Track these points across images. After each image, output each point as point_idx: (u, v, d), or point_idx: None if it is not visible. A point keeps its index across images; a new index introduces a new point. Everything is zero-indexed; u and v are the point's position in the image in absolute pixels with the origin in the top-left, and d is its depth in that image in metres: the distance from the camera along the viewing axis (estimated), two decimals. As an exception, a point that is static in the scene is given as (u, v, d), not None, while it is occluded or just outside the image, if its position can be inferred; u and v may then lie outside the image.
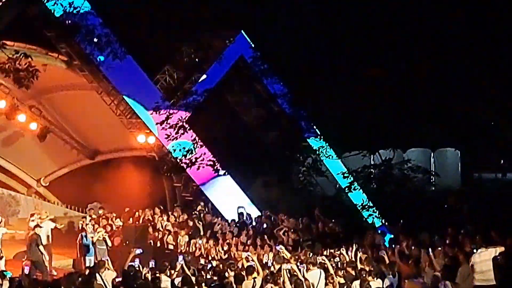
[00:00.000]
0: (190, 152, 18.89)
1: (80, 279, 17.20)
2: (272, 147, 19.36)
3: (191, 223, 26.78)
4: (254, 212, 28.26)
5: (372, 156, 25.04)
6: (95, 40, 21.52)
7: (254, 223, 26.65)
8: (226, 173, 25.43)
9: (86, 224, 25.55)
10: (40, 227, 23.34)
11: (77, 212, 33.30)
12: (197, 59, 27.48)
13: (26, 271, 18.93)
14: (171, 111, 20.94)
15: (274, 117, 22.76)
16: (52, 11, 23.38)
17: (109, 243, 24.07)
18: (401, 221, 21.62)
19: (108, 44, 21.89)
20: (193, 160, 18.72)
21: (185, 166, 18.65)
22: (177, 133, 19.74)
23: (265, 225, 26.20)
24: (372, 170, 19.38)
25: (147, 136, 29.33)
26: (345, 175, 21.37)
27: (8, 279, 17.60)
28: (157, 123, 20.41)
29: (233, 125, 21.68)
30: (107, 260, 19.90)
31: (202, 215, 28.10)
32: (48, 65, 28.48)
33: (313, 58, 23.04)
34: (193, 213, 28.35)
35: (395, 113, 22.99)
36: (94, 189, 33.65)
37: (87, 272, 18.48)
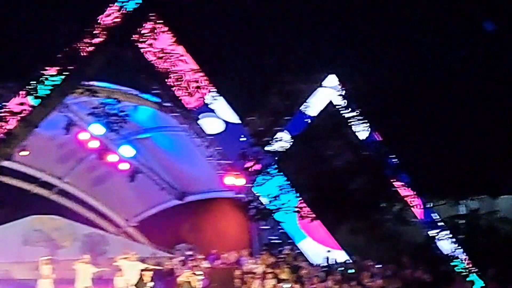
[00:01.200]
0: (276, 198, 18.87)
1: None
2: (360, 193, 19.21)
3: (279, 266, 26.66)
4: (341, 257, 28.04)
5: (459, 204, 24.58)
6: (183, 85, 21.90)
7: (340, 268, 26.40)
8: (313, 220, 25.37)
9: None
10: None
11: (164, 253, 33.54)
12: (285, 103, 27.59)
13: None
14: (259, 157, 21.02)
15: (362, 163, 22.61)
16: (144, 54, 23.87)
17: (195, 285, 24.06)
18: (489, 269, 21.08)
19: (196, 90, 22.23)
20: (280, 206, 18.69)
21: (270, 212, 18.67)
22: (263, 179, 19.77)
23: (352, 270, 25.94)
24: (458, 220, 19.01)
25: (236, 178, 29.49)
26: (433, 225, 21.03)
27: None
28: (245, 168, 20.50)
29: (321, 170, 21.62)
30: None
31: (288, 258, 27.98)
32: (140, 107, 29.14)
33: (402, 102, 22.88)
34: (280, 256, 28.25)
35: (486, 158, 22.57)
36: (182, 230, 33.93)
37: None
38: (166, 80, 22.86)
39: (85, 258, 25.25)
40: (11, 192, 26.45)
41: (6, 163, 15.80)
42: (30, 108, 20.39)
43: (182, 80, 21.81)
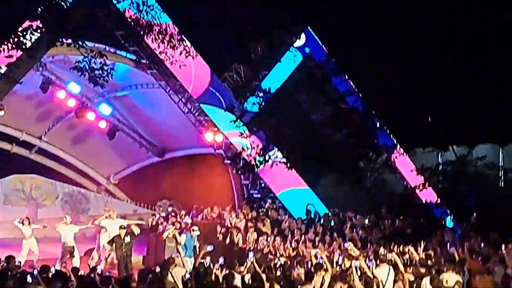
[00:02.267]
0: (264, 150, 18.90)
1: (150, 275, 17.43)
2: (341, 145, 19.26)
3: (260, 220, 26.86)
4: (322, 210, 28.27)
5: (440, 153, 24.77)
6: (166, 38, 21.71)
7: (322, 221, 26.62)
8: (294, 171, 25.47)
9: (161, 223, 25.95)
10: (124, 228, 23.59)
11: (146, 209, 33.70)
12: (264, 57, 27.60)
13: (99, 269, 19.23)
14: (244, 110, 21.00)
15: (343, 116, 22.69)
16: (122, 11, 23.72)
17: (180, 240, 24.20)
18: (473, 216, 21.33)
19: (179, 43, 22.07)
20: (266, 158, 18.69)
21: (258, 164, 18.66)
22: (250, 131, 19.73)
23: (333, 223, 26.17)
24: (445, 167, 19.14)
25: (215, 134, 29.55)
26: (418, 172, 21.15)
27: (79, 275, 17.96)
28: (231, 121, 20.43)
29: (301, 123, 21.65)
30: (177, 256, 20.11)
31: (269, 212, 28.20)
32: (117, 64, 29.00)
33: (381, 54, 22.91)
34: (261, 210, 28.47)
35: (465, 108, 22.73)
36: (163, 186, 34.05)
37: (157, 269, 18.68)
38: (145, 35, 22.69)
39: (66, 219, 25.26)
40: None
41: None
42: (12, 62, 20.31)
43: (165, 34, 21.62)
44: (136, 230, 23.48)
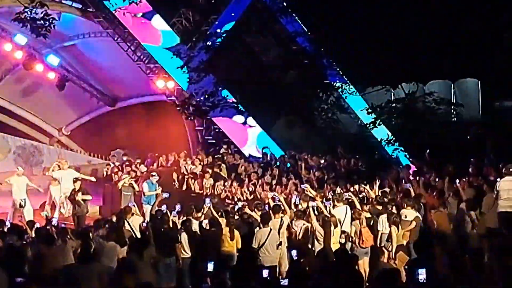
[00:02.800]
0: (213, 94, 18.74)
1: (107, 225, 17.38)
2: (293, 86, 19.16)
3: (216, 166, 26.83)
4: (278, 152, 28.29)
5: (393, 91, 24.85)
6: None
7: (278, 163, 26.67)
8: (247, 115, 25.38)
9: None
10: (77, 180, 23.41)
11: (100, 159, 33.46)
12: (212, 0, 27.28)
13: (55, 222, 19.11)
14: (191, 54, 20.74)
15: (293, 57, 22.55)
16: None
17: (137, 188, 24.14)
18: (427, 151, 21.51)
19: None
20: (216, 102, 18.54)
21: (208, 109, 18.49)
22: (198, 76, 19.51)
23: (289, 165, 26.23)
24: (395, 104, 19.18)
25: (166, 81, 29.35)
26: (369, 111, 21.21)
27: (35, 228, 17.82)
28: (178, 67, 20.19)
29: (252, 66, 21.50)
30: (134, 205, 20.04)
31: (225, 157, 28.17)
32: (63, 13, 28.51)
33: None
34: (217, 155, 28.42)
35: (414, 45, 22.74)
36: (116, 136, 33.82)
37: (114, 218, 18.62)
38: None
39: (18, 170, 25.03)
40: None
41: None
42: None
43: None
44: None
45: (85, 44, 32.36)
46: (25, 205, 23.19)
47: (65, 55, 33.10)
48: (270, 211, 17.85)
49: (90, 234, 16.46)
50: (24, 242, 16.15)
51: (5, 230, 17.40)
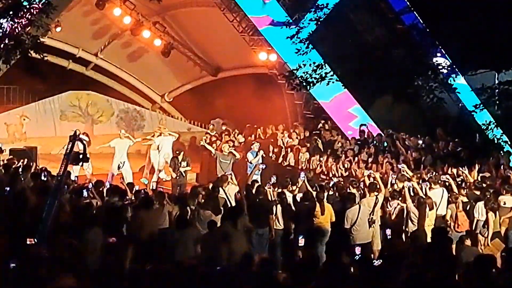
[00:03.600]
0: (320, 66, 18.68)
1: (203, 193, 17.70)
2: (397, 65, 18.94)
3: (312, 140, 26.89)
4: (375, 131, 28.12)
5: (497, 75, 24.23)
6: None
7: (375, 142, 26.52)
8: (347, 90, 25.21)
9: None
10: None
11: (200, 127, 33.95)
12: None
13: (153, 185, 19.59)
14: (301, 26, 20.70)
15: (398, 36, 22.25)
16: None
17: (238, 156, 24.31)
18: None
19: None
20: (323, 75, 18.47)
21: (315, 81, 18.45)
22: (307, 47, 19.49)
23: (385, 144, 26.06)
24: (503, 87, 18.64)
25: (269, 53, 29.50)
26: (477, 92, 20.73)
27: (135, 191, 18.32)
28: (287, 37, 20.22)
29: (355, 43, 21.33)
30: (231, 174, 20.32)
31: (322, 132, 28.19)
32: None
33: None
34: (314, 130, 28.45)
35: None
36: (217, 105, 34.19)
37: (210, 186, 18.93)
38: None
39: (121, 132, 25.67)
40: (47, 68, 26.73)
41: (42, 39, 15.78)
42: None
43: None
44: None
45: (192, 13, 32.74)
46: (123, 166, 23.80)
47: (172, 23, 33.58)
48: (366, 189, 17.86)
49: (188, 199, 16.84)
50: (124, 203, 16.63)
51: (105, 190, 17.96)
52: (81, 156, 14.90)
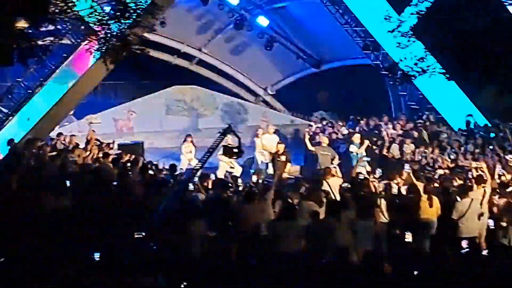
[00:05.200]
0: (421, 60, 18.44)
1: (307, 185, 17.72)
2: (505, 56, 18.47)
3: (417, 132, 26.56)
4: (482, 122, 27.59)
5: None
6: None
7: (481, 132, 26.01)
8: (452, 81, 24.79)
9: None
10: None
11: (302, 120, 33.96)
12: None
13: (254, 178, 19.70)
14: (401, 19, 20.49)
15: (504, 25, 21.69)
16: None
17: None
18: None
19: None
20: (425, 68, 18.22)
21: (416, 74, 18.24)
22: (408, 41, 19.27)
23: (492, 134, 25.53)
24: None
25: (372, 45, 29.33)
26: None
27: (239, 184, 18.50)
28: (388, 31, 20.06)
29: (462, 33, 20.90)
30: (335, 167, 20.26)
31: (427, 123, 27.81)
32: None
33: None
34: (419, 121, 28.09)
35: None
36: (319, 98, 34.17)
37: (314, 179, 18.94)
38: None
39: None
40: (153, 64, 27.30)
41: (147, 35, 16.17)
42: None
43: None
44: None
45: (294, 6, 32.83)
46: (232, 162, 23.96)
47: (274, 16, 33.71)
48: (473, 181, 17.53)
49: (289, 193, 16.89)
50: (228, 196, 16.80)
51: (210, 183, 18.16)
52: (235, 150, 15.26)
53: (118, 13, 13.53)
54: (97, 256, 10.50)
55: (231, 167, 23.56)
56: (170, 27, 30.30)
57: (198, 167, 16.00)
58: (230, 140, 17.68)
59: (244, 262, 10.48)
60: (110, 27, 13.46)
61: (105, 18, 13.55)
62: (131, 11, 13.44)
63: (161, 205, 14.37)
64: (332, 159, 22.66)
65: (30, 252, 10.56)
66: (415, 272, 10.36)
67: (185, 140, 25.48)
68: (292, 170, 24.65)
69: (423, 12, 20.16)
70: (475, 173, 18.34)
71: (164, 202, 14.46)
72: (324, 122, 29.46)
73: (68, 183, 16.26)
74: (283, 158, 23.18)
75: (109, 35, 13.43)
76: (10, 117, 24.55)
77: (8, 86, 25.25)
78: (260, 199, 15.87)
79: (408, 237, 15.01)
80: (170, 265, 10.89)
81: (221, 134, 15.07)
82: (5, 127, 24.73)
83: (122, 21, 13.54)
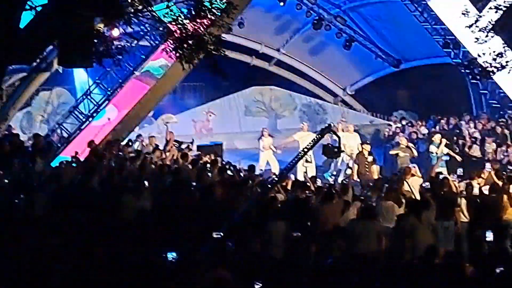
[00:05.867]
0: (500, 55, 18.12)
1: (386, 185, 17.63)
2: None
3: (498, 131, 26.13)
4: None
5: None
6: None
7: None
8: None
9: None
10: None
11: (382, 120, 33.77)
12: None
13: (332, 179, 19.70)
14: (480, 14, 20.17)
15: None
16: None
17: (415, 153, 23.80)
18: None
19: None
20: (504, 64, 17.89)
21: (495, 70, 17.94)
22: (486, 36, 18.97)
23: None
24: None
25: (451, 43, 28.99)
26: None
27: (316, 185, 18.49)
28: (466, 26, 19.75)
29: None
30: (414, 166, 20.10)
31: (509, 122, 27.35)
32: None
33: None
34: (501, 120, 27.64)
35: None
36: (398, 97, 33.92)
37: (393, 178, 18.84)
38: None
39: (304, 125, 25.94)
40: (232, 65, 27.39)
41: (226, 36, 16.27)
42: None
43: None
44: None
45: (372, 6, 32.67)
46: (311, 160, 23.95)
47: (352, 15, 33.58)
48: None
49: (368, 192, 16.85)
50: (307, 196, 16.82)
51: (289, 184, 18.21)
52: (335, 149, 15.35)
53: (193, 12, 13.63)
54: (173, 256, 10.57)
55: (306, 167, 23.51)
56: (248, 28, 30.50)
57: (291, 165, 16.07)
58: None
59: (322, 263, 10.47)
60: (186, 26, 13.55)
61: (181, 18, 13.65)
62: (206, 10, 13.53)
63: (243, 206, 14.48)
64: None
65: (108, 252, 10.73)
66: (497, 271, 10.21)
67: (262, 135, 25.54)
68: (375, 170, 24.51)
69: (502, 7, 19.82)
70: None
71: (245, 203, 14.56)
72: (404, 122, 29.28)
73: (147, 183, 16.49)
74: (370, 158, 23.05)
75: (184, 35, 13.53)
76: (90, 118, 24.94)
77: (87, 89, 25.62)
78: (339, 199, 15.86)
79: (489, 237, 14.77)
80: (248, 265, 10.96)
81: (320, 133, 15.08)
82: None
83: (198, 20, 13.63)
